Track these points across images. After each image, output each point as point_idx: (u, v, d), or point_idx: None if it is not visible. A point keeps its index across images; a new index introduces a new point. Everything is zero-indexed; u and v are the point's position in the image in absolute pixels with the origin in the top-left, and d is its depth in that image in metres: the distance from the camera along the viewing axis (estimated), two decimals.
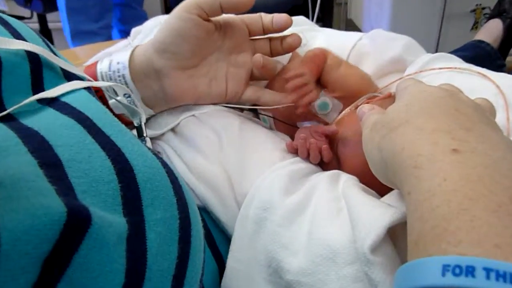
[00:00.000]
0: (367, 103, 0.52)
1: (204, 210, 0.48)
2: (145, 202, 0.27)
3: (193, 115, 0.54)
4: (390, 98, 0.51)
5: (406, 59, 0.60)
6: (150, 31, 0.70)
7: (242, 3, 0.51)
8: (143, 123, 0.48)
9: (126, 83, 0.51)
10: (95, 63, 0.53)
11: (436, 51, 0.81)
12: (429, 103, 0.33)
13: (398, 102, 0.36)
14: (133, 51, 0.52)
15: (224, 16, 0.53)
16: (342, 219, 0.39)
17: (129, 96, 0.48)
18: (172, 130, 0.54)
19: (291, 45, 0.56)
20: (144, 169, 0.28)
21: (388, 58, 0.60)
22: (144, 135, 0.48)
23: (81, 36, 1.80)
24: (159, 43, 0.51)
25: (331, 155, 0.49)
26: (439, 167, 0.27)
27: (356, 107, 0.53)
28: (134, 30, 0.76)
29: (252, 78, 0.57)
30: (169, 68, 0.51)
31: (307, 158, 0.50)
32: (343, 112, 0.52)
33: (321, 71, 0.55)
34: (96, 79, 0.51)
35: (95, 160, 0.26)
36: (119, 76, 0.51)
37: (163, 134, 0.54)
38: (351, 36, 0.65)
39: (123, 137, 0.30)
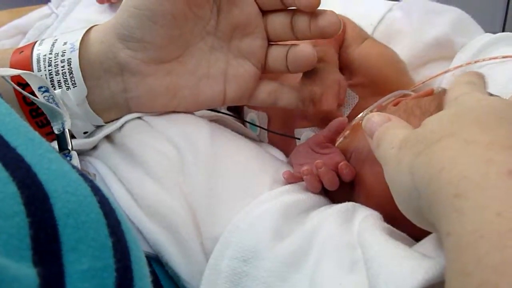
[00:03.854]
0: (396, 103, 0.53)
1: (156, 261, 0.49)
2: (65, 246, 0.27)
3: (140, 118, 0.55)
4: (432, 98, 0.52)
5: (455, 41, 0.62)
6: None
7: None
8: (66, 130, 0.49)
9: (70, 72, 0.51)
10: (32, 44, 0.53)
11: (503, 30, 0.83)
12: (485, 114, 0.34)
13: (444, 112, 0.37)
14: (88, 31, 0.53)
15: None
16: (357, 275, 0.40)
17: (47, 90, 0.49)
18: (110, 140, 0.55)
19: (324, 31, 0.51)
20: (65, 197, 0.28)
21: (429, 40, 0.62)
22: (69, 147, 0.48)
23: None
24: (121, 27, 0.51)
25: (353, 172, 0.51)
26: (491, 195, 0.28)
27: (381, 107, 0.54)
28: None
29: (267, 70, 0.56)
30: (138, 62, 0.52)
31: (318, 189, 0.51)
32: (363, 113, 0.54)
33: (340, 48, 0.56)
34: (28, 67, 0.51)
35: None
36: (62, 62, 0.51)
37: (96, 147, 0.55)
38: (377, 6, 0.67)
39: (35, 151, 0.30)
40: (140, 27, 0.51)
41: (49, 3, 0.83)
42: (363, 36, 0.58)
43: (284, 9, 0.53)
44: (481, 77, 0.41)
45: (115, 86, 0.53)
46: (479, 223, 0.28)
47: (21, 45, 0.76)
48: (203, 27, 0.53)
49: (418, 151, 0.35)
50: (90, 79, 0.52)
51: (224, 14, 0.53)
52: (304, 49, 0.53)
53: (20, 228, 0.26)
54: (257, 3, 0.53)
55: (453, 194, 0.30)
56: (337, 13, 0.55)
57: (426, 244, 0.40)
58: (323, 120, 0.56)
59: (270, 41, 0.55)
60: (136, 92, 0.53)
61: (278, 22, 0.53)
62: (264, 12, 0.54)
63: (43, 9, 0.82)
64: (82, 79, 0.52)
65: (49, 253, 0.27)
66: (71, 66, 0.51)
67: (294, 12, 0.52)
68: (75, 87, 0.51)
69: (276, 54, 0.54)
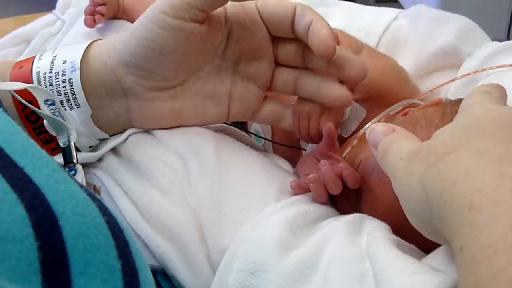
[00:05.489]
0: (405, 114, 0.53)
1: (163, 275, 0.49)
2: (74, 269, 0.27)
3: (146, 131, 0.55)
4: (436, 108, 0.52)
5: (462, 50, 0.62)
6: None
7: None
8: (72, 144, 0.49)
9: (72, 93, 0.51)
10: (31, 59, 0.53)
11: (508, 37, 0.83)
12: (495, 124, 0.34)
13: (454, 123, 0.37)
14: (89, 46, 0.52)
15: (232, 5, 0.51)
16: None
17: (53, 103, 0.49)
18: (115, 152, 0.55)
19: (351, 78, 0.51)
20: (73, 219, 0.28)
21: (436, 48, 0.62)
22: (74, 161, 0.48)
23: None
24: (128, 55, 0.50)
25: (358, 178, 0.50)
26: (505, 209, 0.28)
27: (389, 117, 0.54)
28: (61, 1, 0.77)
29: (273, 90, 0.56)
30: (142, 89, 0.52)
31: (324, 198, 0.50)
32: (368, 124, 0.54)
33: None
34: (29, 82, 0.50)
35: (0, 206, 0.27)
36: (63, 82, 0.50)
37: (101, 159, 0.55)
38: (382, 15, 0.67)
39: (43, 171, 0.30)
40: (149, 59, 0.50)
41: (54, 10, 0.83)
42: (360, 46, 0.58)
43: (294, 39, 0.52)
44: (499, 88, 0.41)
45: (119, 107, 0.53)
46: (493, 238, 0.28)
47: (24, 54, 0.76)
48: (211, 53, 0.53)
49: (429, 163, 0.35)
50: (92, 99, 0.52)
51: (234, 38, 0.53)
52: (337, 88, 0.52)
53: (29, 252, 0.26)
54: (268, 29, 0.52)
55: (466, 207, 0.30)
56: (336, 28, 0.54)
57: (436, 257, 0.40)
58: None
59: (278, 63, 0.55)
60: (139, 114, 0.53)
61: (290, 50, 0.53)
62: (275, 37, 0.53)
63: (48, 17, 0.82)
64: (85, 100, 0.51)
65: (58, 277, 0.26)
66: (73, 86, 0.51)
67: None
68: (79, 108, 0.51)
69: (285, 77, 0.55)
